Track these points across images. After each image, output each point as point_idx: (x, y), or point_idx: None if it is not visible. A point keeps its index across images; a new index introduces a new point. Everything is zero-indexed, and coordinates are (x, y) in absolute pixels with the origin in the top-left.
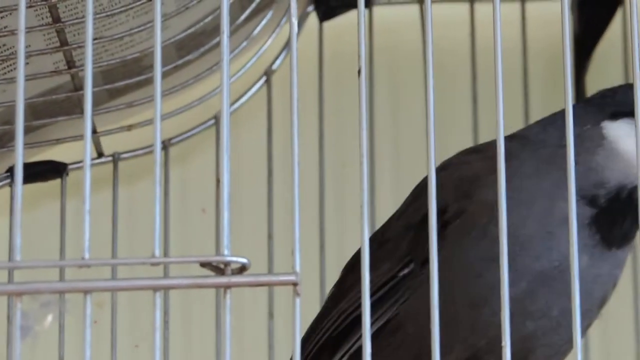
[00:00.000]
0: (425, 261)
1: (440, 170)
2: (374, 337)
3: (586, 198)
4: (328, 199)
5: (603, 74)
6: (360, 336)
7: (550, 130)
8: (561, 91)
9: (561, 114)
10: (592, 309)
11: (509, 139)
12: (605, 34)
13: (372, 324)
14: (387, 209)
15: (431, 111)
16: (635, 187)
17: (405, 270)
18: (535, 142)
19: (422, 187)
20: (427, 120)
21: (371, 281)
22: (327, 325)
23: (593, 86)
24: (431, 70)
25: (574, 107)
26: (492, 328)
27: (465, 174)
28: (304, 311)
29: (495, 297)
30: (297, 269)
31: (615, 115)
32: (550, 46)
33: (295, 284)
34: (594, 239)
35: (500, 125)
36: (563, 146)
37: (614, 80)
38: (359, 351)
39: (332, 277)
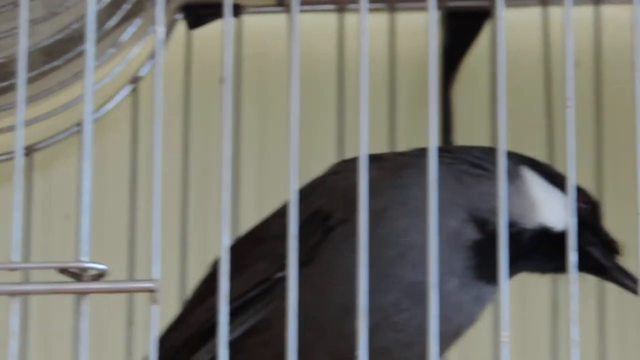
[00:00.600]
0: (303, 264)
1: (332, 173)
2: (244, 334)
3: (477, 221)
4: (191, 206)
5: (470, 86)
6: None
7: (475, 152)
8: (428, 102)
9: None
10: (447, 335)
11: (410, 154)
12: (473, 46)
13: (243, 323)
14: (251, 216)
15: (295, 121)
16: (527, 230)
17: (280, 274)
18: (447, 157)
19: (310, 187)
20: (290, 129)
21: (245, 280)
22: (192, 322)
23: (460, 98)
24: (296, 80)
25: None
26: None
27: (355, 182)
28: (163, 318)
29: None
30: (156, 276)
31: (533, 166)
32: (418, 57)
33: (153, 291)
34: (469, 263)
35: (363, 136)
36: (476, 166)
37: (481, 92)
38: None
39: (193, 284)
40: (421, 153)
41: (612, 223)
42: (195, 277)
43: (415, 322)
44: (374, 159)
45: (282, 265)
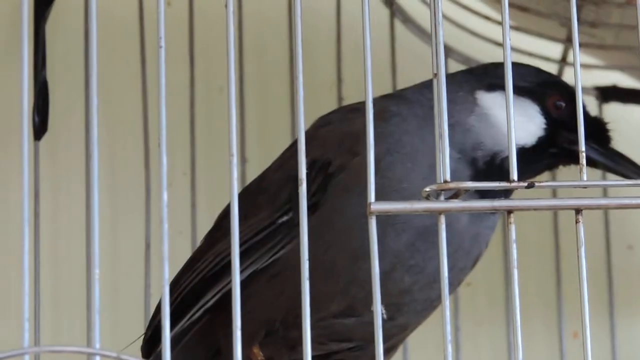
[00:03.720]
0: (309, 210)
1: (320, 126)
2: (252, 280)
3: (467, 158)
4: None
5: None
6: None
7: (426, 92)
8: None
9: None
10: (467, 266)
11: (386, 98)
12: None
13: (247, 266)
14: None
15: None
16: (506, 158)
17: (285, 218)
18: (412, 101)
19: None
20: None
21: (250, 226)
22: (200, 267)
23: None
24: None
25: (455, 73)
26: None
27: (348, 130)
28: None
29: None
30: None
31: (491, 87)
32: None
33: None
34: (473, 199)
35: None
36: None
37: (74, 28)
38: (227, 296)
39: None
40: (401, 98)
41: None
42: None
43: (433, 263)
44: (353, 110)
45: (285, 211)
